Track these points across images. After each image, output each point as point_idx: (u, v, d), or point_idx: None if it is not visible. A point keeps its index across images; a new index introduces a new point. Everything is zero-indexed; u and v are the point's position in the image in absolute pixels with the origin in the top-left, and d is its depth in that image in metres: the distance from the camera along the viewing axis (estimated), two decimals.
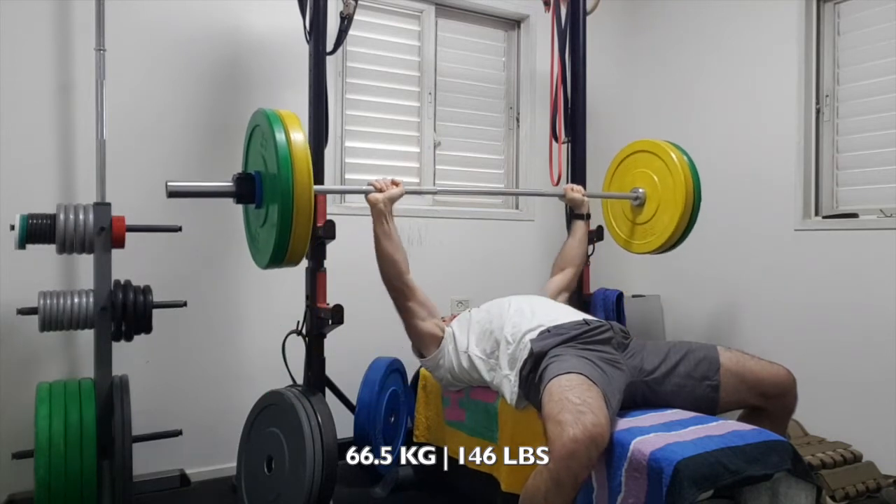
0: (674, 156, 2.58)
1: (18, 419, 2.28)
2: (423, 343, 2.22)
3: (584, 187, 2.90)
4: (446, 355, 2.18)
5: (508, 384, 1.99)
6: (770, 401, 1.94)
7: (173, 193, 1.85)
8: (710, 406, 1.94)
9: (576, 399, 1.60)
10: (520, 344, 1.98)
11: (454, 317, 2.40)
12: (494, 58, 3.51)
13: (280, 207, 1.73)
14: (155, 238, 2.48)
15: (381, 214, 2.13)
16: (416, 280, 2.21)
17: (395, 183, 2.19)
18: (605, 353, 1.89)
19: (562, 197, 2.71)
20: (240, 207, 2.10)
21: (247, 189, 1.89)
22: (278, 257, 1.81)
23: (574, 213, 2.71)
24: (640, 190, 2.70)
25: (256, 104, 2.75)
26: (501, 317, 2.10)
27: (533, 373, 1.90)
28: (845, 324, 2.72)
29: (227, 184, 1.90)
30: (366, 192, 2.17)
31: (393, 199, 2.17)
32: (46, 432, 1.96)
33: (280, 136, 1.75)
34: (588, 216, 2.70)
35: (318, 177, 2.35)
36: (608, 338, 1.97)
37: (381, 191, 2.16)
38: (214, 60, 2.70)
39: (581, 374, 1.72)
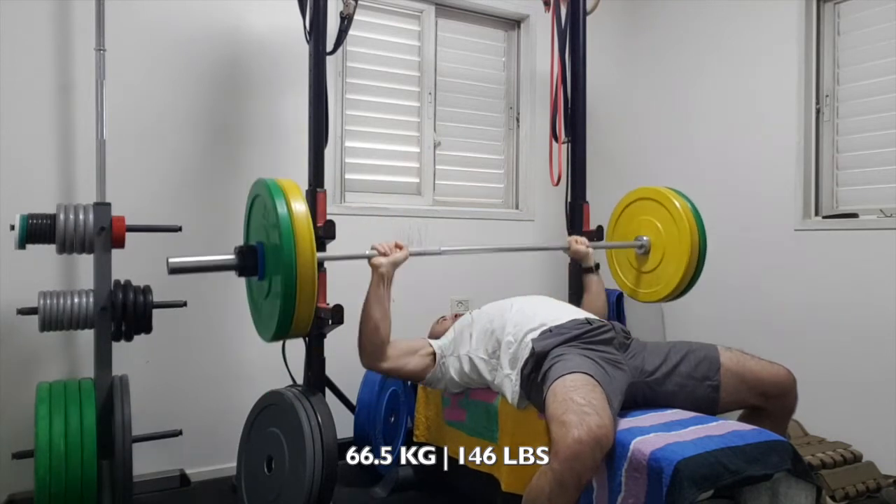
0: (677, 203, 2.56)
1: (18, 419, 2.28)
2: (418, 377, 2.21)
3: (585, 189, 2.90)
4: (446, 369, 2.18)
5: (510, 384, 1.99)
6: (770, 401, 1.94)
7: (175, 270, 1.82)
8: (710, 406, 1.94)
9: (580, 400, 1.60)
10: (521, 343, 1.98)
11: (456, 316, 2.40)
12: (494, 58, 3.51)
13: (283, 279, 1.72)
14: (155, 238, 2.48)
15: (381, 279, 2.06)
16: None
17: (398, 246, 2.12)
18: (607, 354, 1.89)
19: (566, 249, 2.61)
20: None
21: (250, 262, 1.88)
22: (283, 329, 1.79)
23: (582, 268, 2.59)
24: (645, 238, 2.68)
25: (257, 104, 2.78)
26: (503, 317, 2.10)
27: (535, 372, 1.90)
28: (845, 324, 2.72)
29: (229, 257, 1.89)
30: (368, 257, 2.10)
31: (397, 264, 2.10)
32: (46, 432, 1.95)
33: (282, 209, 1.74)
34: (597, 266, 2.59)
35: (319, 177, 2.35)
36: (610, 338, 1.97)
37: (384, 254, 2.09)
38: (214, 60, 2.70)
39: (586, 373, 1.72)
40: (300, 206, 1.77)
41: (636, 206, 2.74)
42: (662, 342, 2.17)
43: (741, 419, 1.96)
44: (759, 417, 1.93)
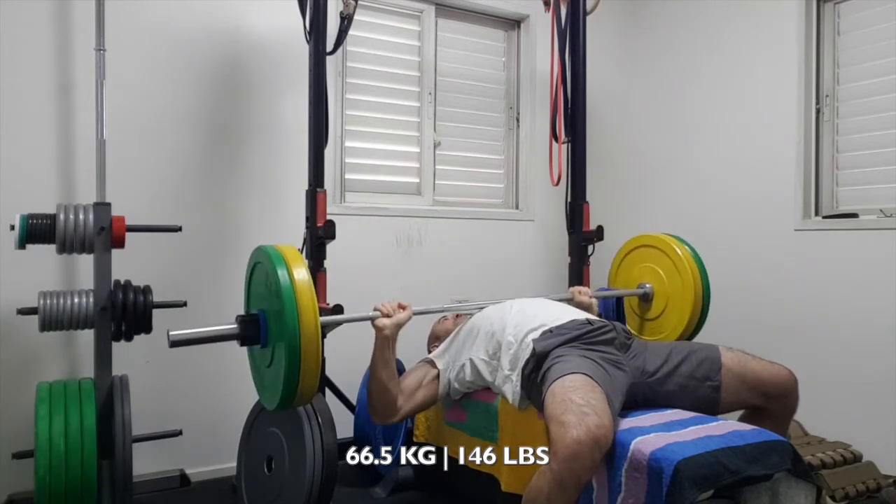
0: (679, 252, 2.58)
1: (18, 419, 2.28)
2: (430, 404, 2.22)
3: (585, 189, 2.91)
4: (451, 384, 2.18)
5: (510, 384, 1.99)
6: (771, 401, 1.94)
7: (176, 343, 1.78)
8: (711, 406, 1.94)
9: (579, 400, 1.60)
10: (522, 344, 1.98)
11: (458, 316, 2.40)
12: (494, 58, 3.51)
13: (287, 347, 1.69)
14: (155, 238, 2.48)
15: (387, 340, 2.02)
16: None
17: (402, 306, 2.08)
18: (608, 354, 1.89)
19: (569, 301, 2.57)
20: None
21: (252, 331, 1.83)
22: (289, 397, 1.75)
23: None
24: (648, 285, 2.69)
25: (257, 104, 2.78)
26: (503, 318, 2.10)
27: (535, 373, 1.90)
28: (845, 324, 2.72)
29: (231, 326, 1.84)
30: (372, 319, 2.05)
31: (401, 325, 2.06)
32: (46, 432, 1.95)
33: (284, 278, 1.71)
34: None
35: (319, 177, 2.36)
36: (611, 338, 1.97)
37: (388, 315, 2.04)
38: (214, 60, 2.70)
39: (585, 374, 1.72)
40: (302, 274, 1.74)
41: (637, 254, 2.77)
42: (664, 342, 2.17)
43: (742, 419, 1.96)
44: (759, 418, 1.92)
